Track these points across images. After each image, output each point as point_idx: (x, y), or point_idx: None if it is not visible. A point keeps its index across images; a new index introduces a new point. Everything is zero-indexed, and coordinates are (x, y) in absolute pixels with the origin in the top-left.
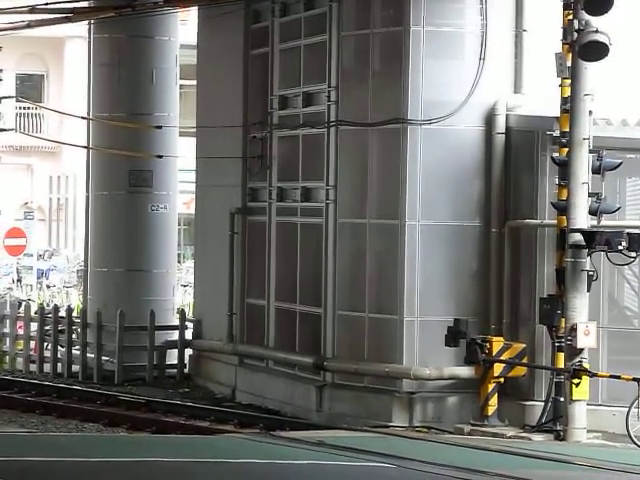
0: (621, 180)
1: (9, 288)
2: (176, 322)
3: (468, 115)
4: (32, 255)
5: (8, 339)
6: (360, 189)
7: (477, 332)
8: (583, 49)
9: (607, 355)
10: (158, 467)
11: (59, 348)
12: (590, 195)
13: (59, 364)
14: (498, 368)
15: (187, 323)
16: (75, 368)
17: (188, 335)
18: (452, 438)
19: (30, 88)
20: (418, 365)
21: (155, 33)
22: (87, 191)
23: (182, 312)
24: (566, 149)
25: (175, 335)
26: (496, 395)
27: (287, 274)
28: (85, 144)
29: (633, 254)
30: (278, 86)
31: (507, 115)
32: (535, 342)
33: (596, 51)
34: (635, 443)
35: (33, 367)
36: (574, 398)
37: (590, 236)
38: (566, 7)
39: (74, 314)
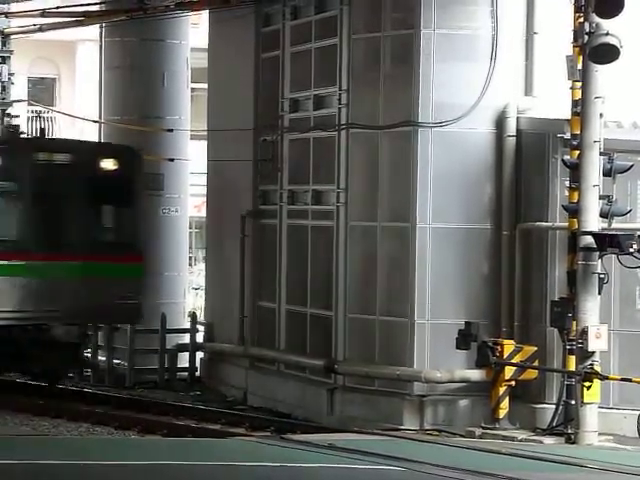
0: (632, 182)
1: None
2: (187, 325)
3: (479, 118)
4: None
5: None
6: (371, 192)
7: (488, 335)
8: (594, 52)
9: (618, 358)
10: (169, 470)
11: None
12: (601, 198)
13: None
14: (509, 371)
15: (198, 326)
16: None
17: (199, 338)
18: (463, 441)
19: (42, 91)
20: (429, 368)
21: (166, 36)
22: None
23: (193, 315)
24: (577, 152)
25: (186, 338)
26: (507, 398)
27: (298, 277)
28: None
29: None
30: (289, 89)
31: (518, 118)
32: (546, 345)
33: (607, 54)
34: None
35: None
36: (585, 401)
37: (601, 239)
38: (577, 10)
39: None
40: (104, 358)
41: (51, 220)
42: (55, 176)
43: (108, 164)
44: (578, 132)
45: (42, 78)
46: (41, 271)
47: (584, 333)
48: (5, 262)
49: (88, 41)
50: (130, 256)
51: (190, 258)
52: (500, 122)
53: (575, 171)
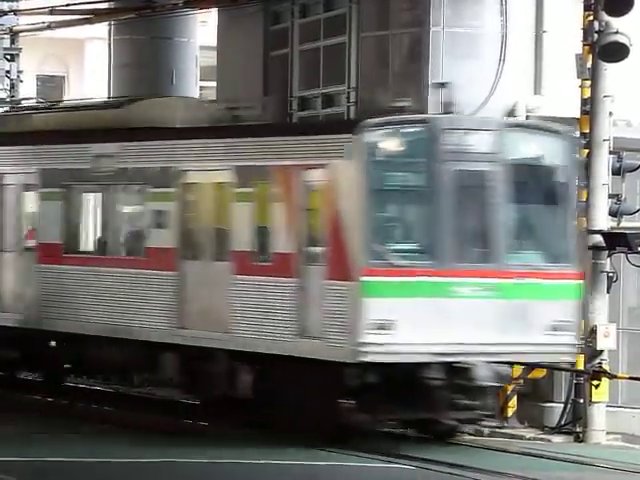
0: None
1: None
2: None
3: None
4: None
5: None
6: None
7: None
8: (603, 50)
9: (627, 357)
10: (177, 468)
11: None
12: (610, 196)
13: None
14: (517, 370)
15: None
16: None
17: None
18: (471, 440)
19: (51, 89)
20: None
21: (174, 34)
22: None
23: None
24: (586, 150)
25: None
26: (515, 397)
27: None
28: None
29: None
30: (298, 87)
31: (527, 116)
32: None
33: (616, 52)
34: None
35: None
36: (594, 400)
37: (610, 237)
38: (586, 8)
39: None
40: None
41: (465, 224)
42: (474, 165)
43: (538, 150)
44: (587, 131)
45: (51, 76)
46: (449, 291)
47: (593, 332)
48: (409, 279)
49: (97, 39)
50: (566, 272)
51: None
52: None
53: (584, 170)
